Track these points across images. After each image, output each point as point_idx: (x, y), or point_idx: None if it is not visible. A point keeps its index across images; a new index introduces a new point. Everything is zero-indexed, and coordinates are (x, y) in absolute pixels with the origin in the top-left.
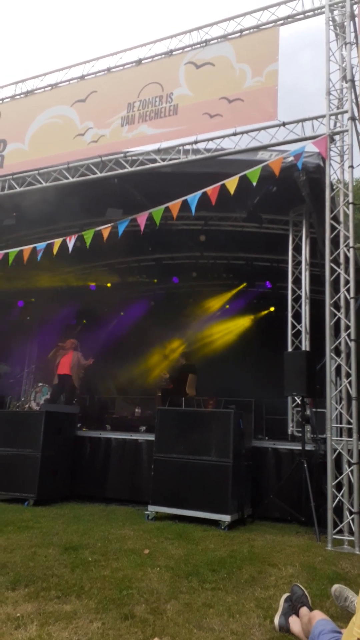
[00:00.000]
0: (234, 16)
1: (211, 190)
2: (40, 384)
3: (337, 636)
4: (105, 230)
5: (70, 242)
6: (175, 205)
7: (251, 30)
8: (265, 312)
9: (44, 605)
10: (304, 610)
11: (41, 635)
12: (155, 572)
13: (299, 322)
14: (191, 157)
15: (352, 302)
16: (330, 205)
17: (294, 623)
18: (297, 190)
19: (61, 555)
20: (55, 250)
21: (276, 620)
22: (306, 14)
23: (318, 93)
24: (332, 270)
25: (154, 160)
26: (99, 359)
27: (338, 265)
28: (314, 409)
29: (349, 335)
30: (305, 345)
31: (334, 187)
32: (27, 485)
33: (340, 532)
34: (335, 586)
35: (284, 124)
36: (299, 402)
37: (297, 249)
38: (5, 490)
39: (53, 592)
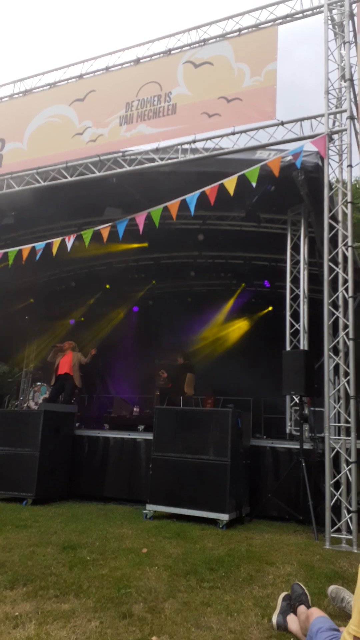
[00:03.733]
0: (232, 15)
1: (210, 189)
2: (38, 383)
3: (334, 634)
4: (105, 230)
5: (69, 242)
6: (174, 205)
7: (250, 29)
8: (264, 311)
9: (42, 604)
10: (301, 608)
11: (39, 634)
12: (154, 571)
13: (297, 321)
14: (189, 156)
15: (350, 301)
16: (328, 204)
17: (292, 621)
18: (295, 189)
19: (59, 554)
20: (54, 250)
21: (274, 619)
22: (305, 13)
23: (315, 89)
24: (331, 270)
25: (153, 160)
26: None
27: (336, 264)
28: (312, 408)
29: (347, 334)
30: (303, 344)
31: (333, 186)
32: (26, 484)
33: (338, 530)
34: (332, 587)
35: (282, 123)
36: (297, 401)
37: (296, 248)
38: (4, 490)
39: (51, 591)
